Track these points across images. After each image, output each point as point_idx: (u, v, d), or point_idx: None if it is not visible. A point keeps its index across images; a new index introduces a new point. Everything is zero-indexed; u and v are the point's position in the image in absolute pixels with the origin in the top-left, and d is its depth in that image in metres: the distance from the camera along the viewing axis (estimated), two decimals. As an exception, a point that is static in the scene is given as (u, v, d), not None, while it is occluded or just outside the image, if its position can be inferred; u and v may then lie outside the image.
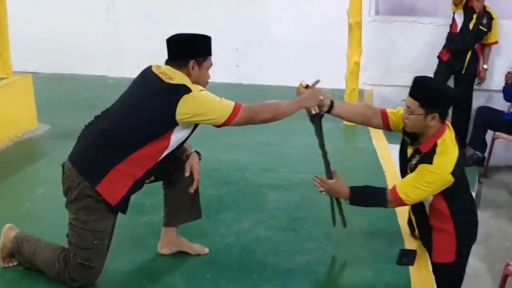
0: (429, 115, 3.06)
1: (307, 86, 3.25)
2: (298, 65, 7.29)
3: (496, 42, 6.81)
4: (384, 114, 3.39)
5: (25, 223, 3.57)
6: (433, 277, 3.21)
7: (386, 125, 3.41)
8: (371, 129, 5.81)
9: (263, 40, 7.72)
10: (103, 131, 3.02)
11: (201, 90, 3.00)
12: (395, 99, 7.27)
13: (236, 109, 2.99)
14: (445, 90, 3.22)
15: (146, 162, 2.98)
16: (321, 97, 3.24)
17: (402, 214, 3.74)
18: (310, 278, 3.24)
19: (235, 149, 5.33)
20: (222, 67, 7.56)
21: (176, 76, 3.01)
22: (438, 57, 6.83)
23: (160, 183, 3.35)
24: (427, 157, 3.10)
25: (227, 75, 7.35)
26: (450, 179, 3.07)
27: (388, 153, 5.21)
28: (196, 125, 3.07)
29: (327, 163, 3.42)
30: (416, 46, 7.27)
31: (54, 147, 5.25)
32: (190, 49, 3.07)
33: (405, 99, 3.17)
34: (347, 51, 6.17)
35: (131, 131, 2.97)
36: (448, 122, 3.20)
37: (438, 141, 3.11)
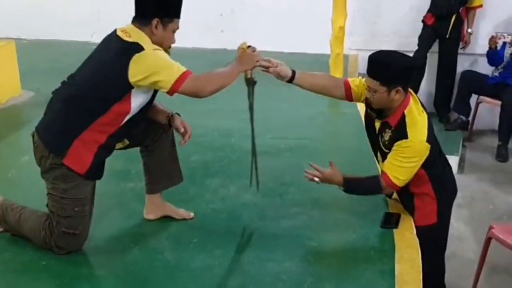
0: (392, 91, 3.04)
1: (248, 47, 3.15)
2: (283, 31, 7.28)
3: (481, 6, 6.75)
4: (347, 86, 3.37)
5: (10, 190, 3.57)
6: (417, 240, 3.24)
7: (348, 97, 3.40)
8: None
9: (247, 5, 7.64)
10: (67, 97, 2.98)
11: (155, 49, 2.91)
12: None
13: (184, 74, 2.88)
14: (403, 62, 3.11)
15: (108, 127, 2.95)
16: (257, 61, 3.15)
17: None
18: (296, 243, 3.26)
19: (219, 116, 5.33)
20: (206, 33, 7.64)
21: (133, 34, 2.93)
22: (423, 21, 6.79)
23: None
24: (400, 132, 3.10)
25: (212, 40, 7.32)
26: (428, 146, 3.08)
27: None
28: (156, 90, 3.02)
29: (252, 128, 3.39)
30: (401, 10, 7.22)
31: (38, 114, 5.17)
32: (156, 7, 2.96)
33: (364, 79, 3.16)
34: (331, 16, 6.13)
35: (92, 96, 2.92)
36: (410, 89, 3.19)
37: (405, 112, 3.10)
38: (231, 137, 4.80)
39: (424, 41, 6.77)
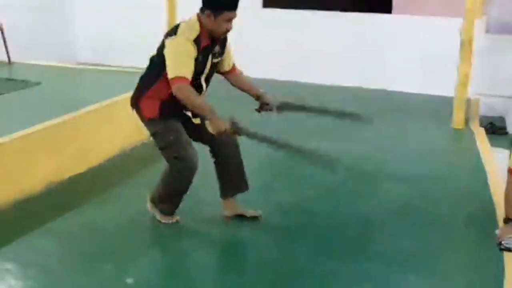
0: None
1: (233, 123, 3.32)
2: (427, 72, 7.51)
3: None
4: None
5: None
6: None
7: None
8: (476, 132, 5.88)
9: (387, 50, 7.91)
10: (143, 72, 3.56)
11: (182, 39, 3.25)
12: (500, 107, 7.26)
13: (177, 79, 3.23)
14: None
15: (163, 91, 3.37)
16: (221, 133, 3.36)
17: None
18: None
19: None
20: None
21: (187, 21, 3.37)
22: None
23: None
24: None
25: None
26: None
27: (491, 155, 5.23)
28: (196, 63, 3.30)
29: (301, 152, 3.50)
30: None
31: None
32: (208, 0, 3.30)
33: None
34: (458, 64, 6.20)
35: (153, 67, 3.45)
36: None
37: None
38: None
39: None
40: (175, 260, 3.44)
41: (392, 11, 8.21)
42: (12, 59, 6.80)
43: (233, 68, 3.71)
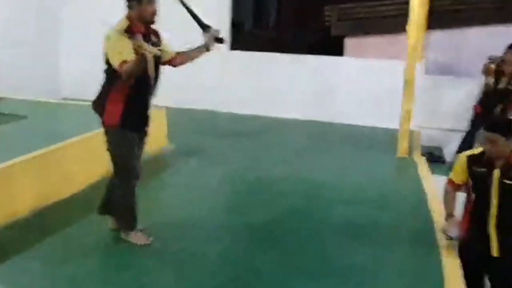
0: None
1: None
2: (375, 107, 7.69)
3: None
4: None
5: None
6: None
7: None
8: (418, 161, 6.03)
9: (340, 87, 8.08)
10: (103, 84, 3.53)
11: (113, 33, 3.33)
12: (438, 138, 7.48)
13: (121, 64, 3.25)
14: None
15: (124, 89, 3.38)
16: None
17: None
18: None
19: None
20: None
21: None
22: (473, 108, 6.92)
23: None
24: None
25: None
26: None
27: (431, 182, 5.34)
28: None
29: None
30: (456, 98, 7.39)
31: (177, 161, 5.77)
32: None
33: None
34: (402, 100, 6.33)
35: (107, 76, 3.47)
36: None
37: None
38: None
39: (474, 124, 6.87)
40: (151, 279, 3.37)
41: (344, 54, 8.46)
42: (0, 95, 6.70)
43: (175, 55, 3.74)
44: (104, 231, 3.89)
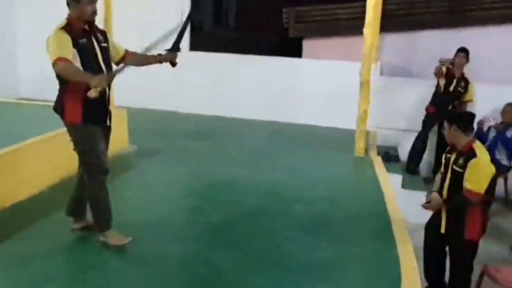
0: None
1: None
2: (322, 109, 7.79)
3: (471, 100, 7.01)
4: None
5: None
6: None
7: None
8: (374, 160, 6.17)
9: (298, 89, 8.19)
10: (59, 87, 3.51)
11: (53, 33, 3.31)
12: (393, 138, 7.67)
13: (57, 60, 3.24)
14: None
15: (78, 88, 3.35)
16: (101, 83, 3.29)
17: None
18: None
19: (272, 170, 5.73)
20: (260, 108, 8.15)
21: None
22: (426, 109, 7.13)
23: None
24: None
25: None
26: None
27: (387, 180, 5.49)
28: (80, 53, 3.34)
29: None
30: (410, 99, 7.58)
31: (139, 162, 5.74)
32: None
33: None
34: (358, 101, 6.48)
35: (60, 79, 3.42)
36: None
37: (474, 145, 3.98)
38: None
39: (426, 125, 7.09)
40: (112, 279, 3.37)
41: (302, 56, 8.57)
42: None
43: (127, 53, 3.76)
44: (65, 232, 3.86)
